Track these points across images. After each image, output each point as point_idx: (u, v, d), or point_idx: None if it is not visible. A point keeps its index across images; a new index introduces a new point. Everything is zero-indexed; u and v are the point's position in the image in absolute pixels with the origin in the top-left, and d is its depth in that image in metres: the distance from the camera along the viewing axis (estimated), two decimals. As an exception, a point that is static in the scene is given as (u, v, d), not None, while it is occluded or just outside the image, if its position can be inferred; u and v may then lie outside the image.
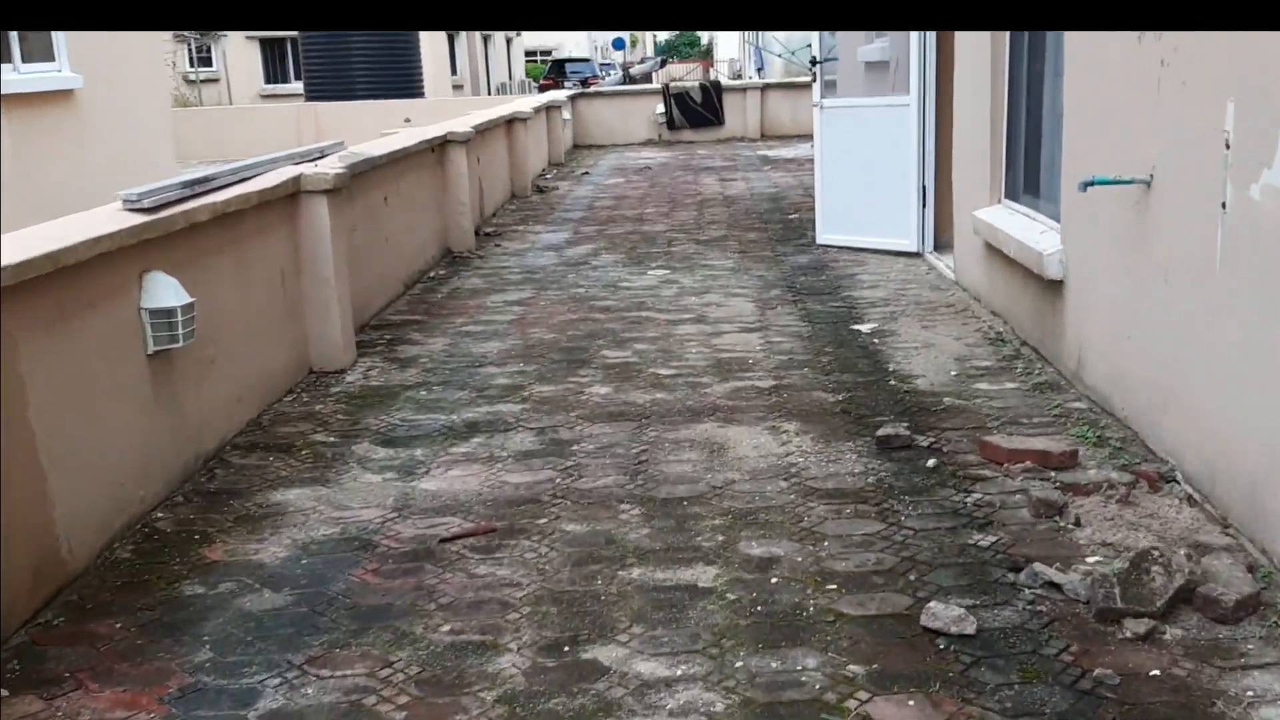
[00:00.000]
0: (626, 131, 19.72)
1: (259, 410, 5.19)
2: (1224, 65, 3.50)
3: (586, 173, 15.40)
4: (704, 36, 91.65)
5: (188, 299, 4.24)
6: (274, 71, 27.42)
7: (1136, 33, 4.13)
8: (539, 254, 9.20)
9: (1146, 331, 4.18)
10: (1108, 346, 4.57)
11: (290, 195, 5.62)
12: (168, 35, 25.68)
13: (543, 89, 37.98)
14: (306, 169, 5.80)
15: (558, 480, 4.27)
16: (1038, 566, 3.28)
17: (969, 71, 6.76)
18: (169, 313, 4.18)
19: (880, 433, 4.45)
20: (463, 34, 30.24)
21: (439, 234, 8.96)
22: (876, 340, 6.05)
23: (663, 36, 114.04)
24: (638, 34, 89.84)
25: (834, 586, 3.32)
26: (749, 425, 4.78)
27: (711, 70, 59.32)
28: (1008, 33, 6.15)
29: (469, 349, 6.26)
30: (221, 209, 4.76)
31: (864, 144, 8.38)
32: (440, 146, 9.02)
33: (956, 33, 7.01)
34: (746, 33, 37.90)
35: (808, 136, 19.36)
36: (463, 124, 9.85)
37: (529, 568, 3.55)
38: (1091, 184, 4.15)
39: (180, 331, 4.21)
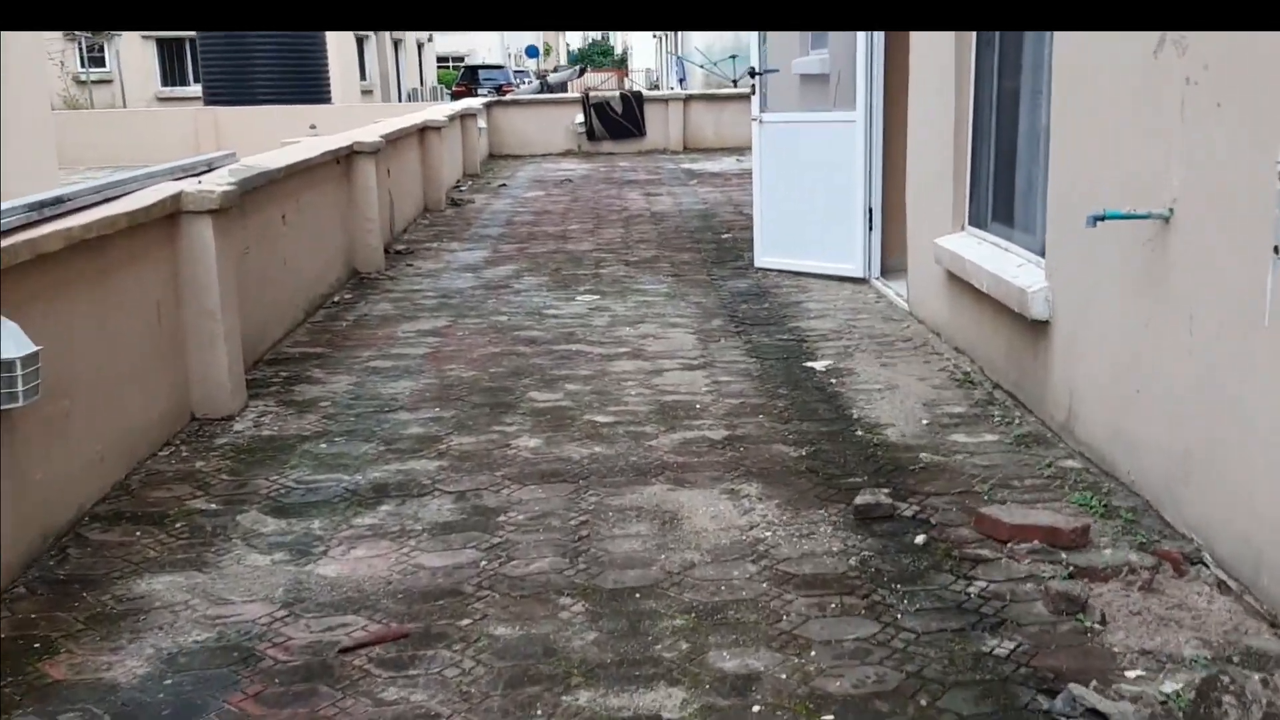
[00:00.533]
0: (545, 141, 19.05)
1: (127, 469, 4.42)
2: (1276, 86, 2.98)
3: (504, 185, 14.69)
4: (618, 45, 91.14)
5: (31, 348, 3.47)
6: (171, 73, 26.09)
7: (1151, 46, 3.61)
8: (455, 275, 8.48)
9: (1162, 387, 3.65)
10: (1108, 400, 4.05)
11: (169, 216, 4.85)
12: (56, 34, 24.32)
13: (455, 96, 37.06)
14: (188, 185, 5.04)
15: (483, 564, 3.59)
16: (1075, 690, 2.70)
17: (928, 84, 6.24)
18: (7, 366, 3.41)
19: (858, 501, 3.86)
20: (372, 37, 29.26)
21: (344, 253, 8.20)
22: (834, 380, 5.48)
23: (575, 44, 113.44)
24: (550, 42, 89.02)
25: (830, 717, 2.70)
26: (704, 488, 4.16)
27: (626, 80, 58.97)
28: (973, 40, 5.63)
29: (377, 389, 5.54)
30: (79, 235, 4.00)
31: (806, 162, 7.84)
32: (346, 158, 8.26)
33: (911, 43, 6.49)
34: (664, 42, 37.48)
35: (732, 150, 18.95)
36: (371, 133, 9.10)
37: (450, 691, 2.87)
38: (1103, 218, 3.62)
39: (21, 389, 3.44)
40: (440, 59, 46.85)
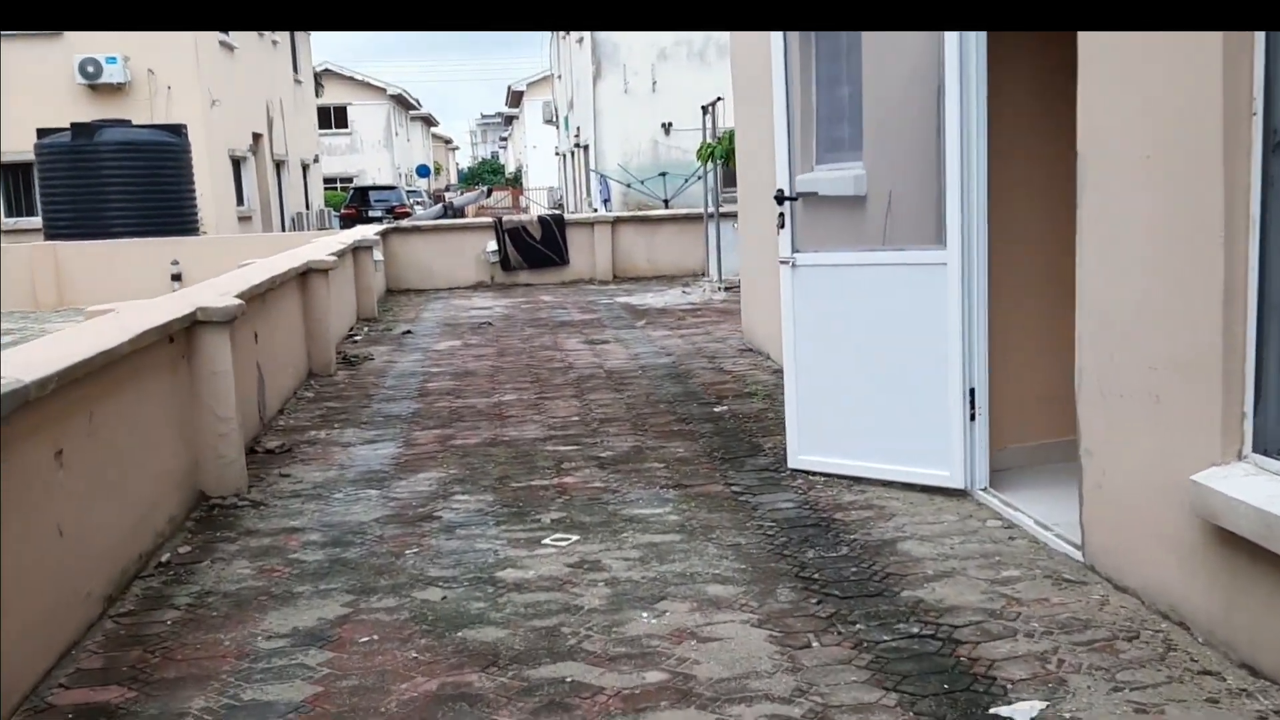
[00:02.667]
0: (451, 273, 16.51)
1: None
2: None
3: (408, 331, 12.05)
4: (510, 164, 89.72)
5: None
6: (17, 202, 22.89)
7: None
8: (353, 497, 5.78)
9: None
10: None
11: None
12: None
13: (344, 219, 34.45)
14: None
15: None
16: None
17: (1130, 210, 3.87)
18: None
19: None
20: (251, 159, 26.60)
21: (184, 475, 5.46)
22: (1082, 766, 2.93)
23: (465, 164, 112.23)
24: (440, 161, 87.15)
25: None
26: None
27: (522, 199, 57.17)
28: (1256, 143, 3.28)
29: (209, 826, 2.82)
30: None
31: (865, 321, 5.43)
32: (186, 331, 5.57)
33: (1084, 154, 4.14)
34: (570, 159, 35.59)
35: (668, 277, 16.64)
36: (224, 291, 6.41)
37: None
38: None
39: None
40: (328, 180, 44.28)
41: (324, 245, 11.58)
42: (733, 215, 15.36)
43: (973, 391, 5.18)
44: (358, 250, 12.95)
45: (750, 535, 4.89)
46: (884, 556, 4.54)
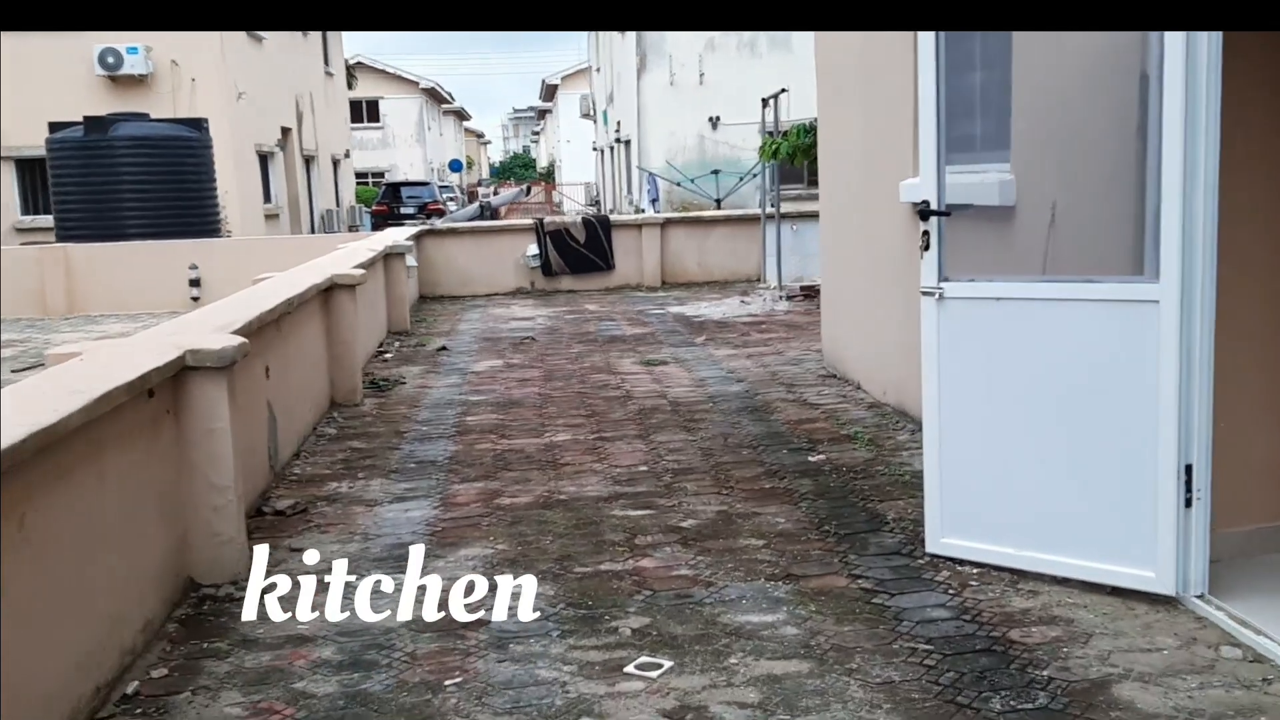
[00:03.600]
0: (489, 278, 15.38)
1: None
2: None
3: (444, 348, 10.89)
4: (542, 159, 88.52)
5: None
6: (34, 200, 21.96)
7: None
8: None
9: None
10: None
11: None
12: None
13: (375, 215, 33.43)
14: None
15: None
16: None
17: None
18: None
19: None
20: (279, 155, 25.57)
21: (166, 562, 4.31)
22: None
23: (497, 158, 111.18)
24: (472, 156, 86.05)
25: None
26: None
27: (555, 194, 55.96)
28: None
29: None
30: None
31: (1036, 372, 4.21)
32: (171, 381, 4.42)
33: None
34: (609, 154, 34.42)
35: (720, 283, 15.43)
36: (226, 320, 5.26)
37: None
38: None
39: None
40: (359, 175, 43.28)
41: (352, 254, 10.44)
42: (792, 215, 14.18)
43: (1189, 469, 3.95)
44: (389, 257, 11.82)
45: (903, 666, 3.67)
46: (1100, 711, 3.32)
